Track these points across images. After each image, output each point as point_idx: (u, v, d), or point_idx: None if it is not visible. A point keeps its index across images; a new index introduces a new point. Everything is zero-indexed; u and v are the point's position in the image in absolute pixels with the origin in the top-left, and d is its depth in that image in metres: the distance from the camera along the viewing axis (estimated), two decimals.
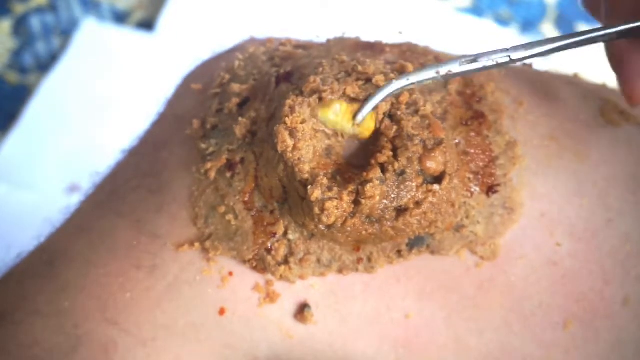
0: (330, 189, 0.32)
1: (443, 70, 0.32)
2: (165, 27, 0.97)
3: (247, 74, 0.38)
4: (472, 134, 0.35)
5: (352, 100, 0.33)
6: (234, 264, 0.35)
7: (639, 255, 0.36)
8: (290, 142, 0.32)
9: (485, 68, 0.32)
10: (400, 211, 0.32)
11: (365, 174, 0.32)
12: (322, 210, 0.31)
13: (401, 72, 0.35)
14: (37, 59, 0.97)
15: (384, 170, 0.32)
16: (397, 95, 0.34)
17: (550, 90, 0.39)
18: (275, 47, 0.40)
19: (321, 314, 0.35)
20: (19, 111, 0.91)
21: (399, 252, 0.34)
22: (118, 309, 0.35)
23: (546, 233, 0.36)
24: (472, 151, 0.35)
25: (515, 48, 0.32)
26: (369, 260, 0.34)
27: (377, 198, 0.31)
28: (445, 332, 0.35)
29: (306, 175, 0.32)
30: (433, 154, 0.32)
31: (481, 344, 0.35)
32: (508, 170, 0.36)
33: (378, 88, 0.33)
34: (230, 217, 0.35)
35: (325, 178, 0.32)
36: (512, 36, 1.01)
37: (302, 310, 0.35)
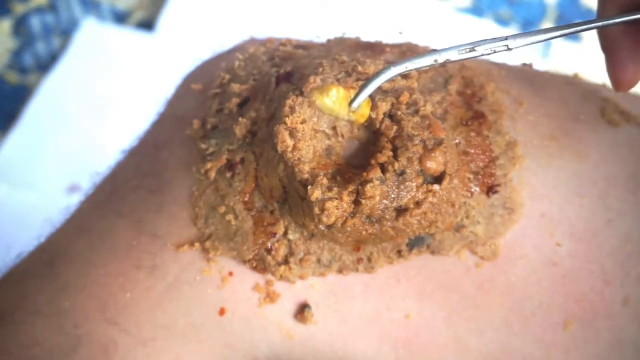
0: (330, 189, 0.32)
1: (441, 57, 0.32)
2: (165, 27, 0.97)
3: (247, 74, 0.38)
4: (472, 134, 0.35)
5: (349, 86, 0.33)
6: (234, 264, 0.35)
7: (639, 255, 0.36)
8: (290, 142, 0.32)
9: (482, 56, 0.32)
10: (400, 211, 0.32)
11: (365, 174, 0.32)
12: (322, 210, 0.31)
13: None
14: (37, 59, 0.97)
15: (384, 170, 0.32)
16: (397, 95, 0.34)
17: (550, 90, 0.39)
18: (275, 47, 0.40)
19: (321, 314, 0.35)
20: (19, 111, 0.91)
21: (399, 252, 0.34)
22: (118, 309, 0.35)
23: (546, 233, 0.36)
24: (472, 151, 0.35)
25: (514, 36, 0.32)
26: (369, 260, 0.34)
27: (377, 198, 0.31)
28: (445, 332, 0.35)
29: (306, 175, 0.32)
30: (433, 154, 0.32)
31: (481, 344, 0.35)
32: (508, 170, 0.36)
33: (375, 72, 0.32)
34: (230, 217, 0.35)
35: (325, 178, 0.32)
36: None
37: (302, 310, 0.35)
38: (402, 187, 0.32)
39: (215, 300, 0.35)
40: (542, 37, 0.32)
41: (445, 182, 0.33)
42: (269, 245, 0.34)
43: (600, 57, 0.34)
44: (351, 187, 0.32)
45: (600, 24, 0.32)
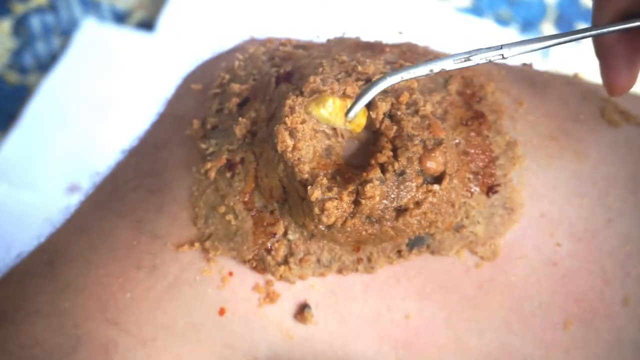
0: (330, 189, 0.32)
1: (436, 67, 0.32)
2: (165, 27, 0.97)
3: (247, 74, 0.38)
4: (472, 134, 0.35)
5: (345, 95, 0.33)
6: (234, 264, 0.35)
7: (639, 255, 0.36)
8: (290, 142, 0.32)
9: (477, 64, 0.32)
10: (400, 211, 0.32)
11: (365, 174, 0.32)
12: (322, 210, 0.31)
13: None
14: (37, 59, 0.97)
15: (384, 170, 0.32)
16: (397, 95, 0.34)
17: (550, 90, 0.39)
18: (275, 47, 0.40)
19: (321, 314, 0.35)
20: (19, 111, 0.91)
21: (399, 252, 0.34)
22: (118, 309, 0.35)
23: (546, 233, 0.36)
24: (472, 151, 0.35)
25: (509, 45, 0.32)
26: (369, 260, 0.34)
27: (377, 198, 0.31)
28: (445, 332, 0.35)
29: (306, 175, 0.32)
30: (433, 154, 0.32)
31: (481, 344, 0.35)
32: (508, 170, 0.36)
33: (371, 82, 0.33)
34: (230, 217, 0.35)
35: (325, 178, 0.32)
36: (512, 36, 1.00)
37: (302, 311, 0.35)
38: (402, 187, 0.32)
39: (215, 300, 0.35)
40: (538, 45, 0.32)
41: (445, 182, 0.33)
42: (269, 245, 0.34)
43: None
44: (351, 187, 0.32)
45: (595, 32, 0.32)
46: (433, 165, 0.32)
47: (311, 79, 0.33)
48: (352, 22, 0.96)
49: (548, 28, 1.02)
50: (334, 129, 0.34)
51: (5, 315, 0.36)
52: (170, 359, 0.35)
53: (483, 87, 0.37)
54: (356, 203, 0.32)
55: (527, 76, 0.40)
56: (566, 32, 0.32)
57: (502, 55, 0.32)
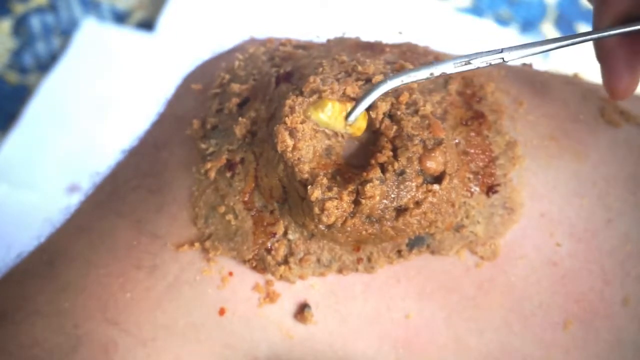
0: (330, 189, 0.32)
1: (437, 71, 0.32)
2: (165, 27, 0.97)
3: (247, 74, 0.38)
4: (472, 134, 0.35)
5: (345, 99, 0.33)
6: (234, 264, 0.35)
7: (639, 255, 0.36)
8: (290, 142, 0.32)
9: (478, 68, 0.32)
10: (400, 211, 0.32)
11: (365, 174, 0.32)
12: (322, 210, 0.31)
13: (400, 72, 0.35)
14: (37, 59, 0.97)
15: (384, 170, 0.32)
16: (396, 95, 0.34)
17: (550, 90, 0.39)
18: (275, 47, 0.40)
19: (321, 314, 0.35)
20: (19, 111, 0.91)
21: (399, 252, 0.34)
22: (118, 309, 0.35)
23: (546, 233, 0.36)
24: (472, 151, 0.35)
25: (509, 49, 0.32)
26: (369, 260, 0.34)
27: (377, 198, 0.31)
28: (445, 332, 0.35)
29: (306, 175, 0.32)
30: (433, 154, 0.32)
31: (481, 344, 0.35)
32: (508, 170, 0.36)
33: (370, 88, 0.33)
34: (230, 217, 0.35)
35: (325, 178, 0.32)
36: (512, 36, 1.01)
37: (302, 310, 0.35)
38: (402, 187, 0.32)
39: (215, 300, 0.35)
40: (538, 49, 0.32)
41: (445, 182, 0.33)
42: (269, 245, 0.34)
43: None
44: (351, 187, 0.32)
45: (596, 36, 0.32)
46: (433, 165, 0.32)
47: (311, 79, 0.33)
48: (352, 22, 0.96)
49: (548, 28, 1.02)
50: None
51: (5, 315, 0.36)
52: (170, 359, 0.35)
53: (483, 87, 0.37)
54: (356, 203, 0.32)
55: (527, 76, 0.40)
56: (567, 36, 0.32)
57: (503, 58, 0.32)
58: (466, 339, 0.35)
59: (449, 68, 0.32)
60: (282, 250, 0.34)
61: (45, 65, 0.95)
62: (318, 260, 0.34)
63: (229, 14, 0.98)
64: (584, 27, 1.02)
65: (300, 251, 0.34)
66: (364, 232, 0.32)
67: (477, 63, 0.32)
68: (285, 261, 0.34)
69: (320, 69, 0.34)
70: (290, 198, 0.33)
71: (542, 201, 0.36)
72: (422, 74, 0.32)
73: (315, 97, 0.33)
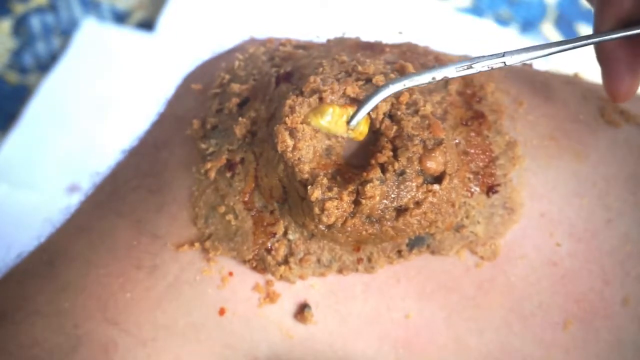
0: (330, 189, 0.32)
1: (439, 75, 0.32)
2: (165, 27, 0.97)
3: (247, 74, 0.38)
4: (472, 134, 0.35)
5: (347, 102, 0.33)
6: (234, 264, 0.35)
7: (639, 255, 0.36)
8: (290, 142, 0.32)
9: (479, 72, 0.32)
10: (400, 211, 0.32)
11: (365, 174, 0.32)
12: (322, 210, 0.31)
13: (401, 72, 0.35)
14: (37, 59, 0.97)
15: (384, 170, 0.32)
16: (397, 95, 0.34)
17: (550, 90, 0.39)
18: (275, 47, 0.40)
19: (321, 314, 0.35)
20: (19, 111, 0.91)
21: (399, 252, 0.34)
22: (118, 309, 0.35)
23: (546, 233, 0.36)
24: (472, 151, 0.35)
25: (511, 52, 0.32)
26: (369, 260, 0.34)
27: (377, 198, 0.31)
28: (445, 332, 0.35)
29: (306, 175, 0.32)
30: (433, 154, 0.32)
31: (481, 344, 0.36)
32: (508, 170, 0.36)
33: (373, 91, 0.33)
34: (230, 217, 0.35)
35: (325, 178, 0.32)
36: (512, 36, 1.00)
37: (302, 310, 0.35)
38: (402, 187, 0.32)
39: (215, 300, 0.35)
40: (539, 53, 0.32)
41: (445, 182, 0.33)
42: (269, 245, 0.34)
43: None
44: (351, 187, 0.32)
45: (598, 39, 0.32)
46: (433, 165, 0.32)
47: (311, 79, 0.33)
48: (352, 22, 0.96)
49: (548, 28, 1.02)
50: None
51: (5, 315, 0.36)
52: (170, 359, 0.35)
53: (483, 87, 0.37)
54: (356, 203, 0.32)
55: (527, 76, 0.40)
56: (569, 40, 0.32)
57: (504, 62, 0.32)
58: (466, 339, 0.35)
59: (450, 72, 0.32)
60: (282, 250, 0.34)
61: (45, 65, 0.95)
62: (318, 260, 0.34)
63: (229, 14, 0.98)
64: (584, 27, 1.02)
65: (300, 251, 0.34)
66: (364, 232, 0.32)
67: (479, 67, 0.32)
68: (285, 261, 0.34)
69: (320, 69, 0.34)
70: (290, 198, 0.33)
71: (542, 201, 0.36)
72: (424, 78, 0.32)
73: (315, 96, 0.33)
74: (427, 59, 0.37)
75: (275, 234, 0.34)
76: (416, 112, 0.34)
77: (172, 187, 0.36)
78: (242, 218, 0.35)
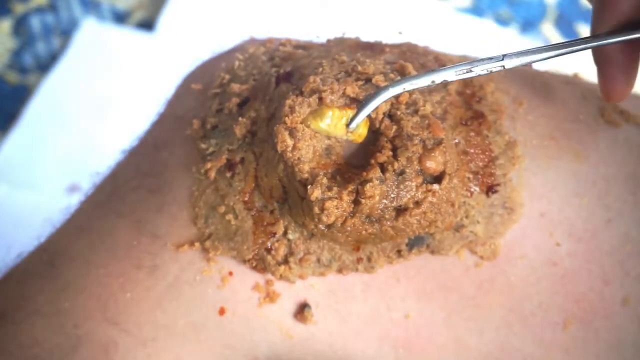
0: (330, 188, 0.32)
1: (438, 78, 0.32)
2: (165, 27, 0.97)
3: (247, 74, 0.38)
4: (472, 133, 0.35)
5: (347, 102, 0.33)
6: (234, 263, 0.35)
7: (639, 255, 0.37)
8: (290, 142, 0.32)
9: (479, 75, 0.32)
10: (400, 211, 0.32)
11: (365, 173, 0.32)
12: (322, 209, 0.31)
13: (401, 72, 0.35)
14: (37, 59, 0.97)
15: (383, 170, 0.32)
16: (396, 95, 0.34)
17: (550, 90, 0.39)
18: (275, 47, 0.40)
19: (321, 313, 0.35)
20: (19, 111, 0.91)
21: (398, 251, 0.34)
22: (118, 309, 0.35)
23: (546, 233, 0.36)
24: (472, 151, 0.35)
25: (510, 55, 0.32)
26: (369, 260, 0.34)
27: (377, 198, 0.31)
28: (445, 332, 0.35)
29: (306, 175, 0.32)
30: (433, 154, 0.32)
31: (481, 344, 0.36)
32: (508, 170, 0.36)
33: (373, 94, 0.33)
34: (230, 217, 0.35)
35: (325, 178, 0.32)
36: (512, 36, 1.00)
37: (302, 310, 0.35)
38: (401, 186, 0.32)
39: (215, 300, 0.35)
40: (539, 56, 0.32)
41: (444, 182, 0.33)
42: (269, 245, 0.34)
43: None
44: (351, 187, 0.32)
45: (597, 43, 0.32)
46: (433, 165, 0.32)
47: (311, 79, 0.33)
48: (352, 22, 0.96)
49: (548, 28, 1.02)
50: None
51: (5, 315, 0.36)
52: (170, 359, 0.35)
53: (483, 87, 0.37)
54: (356, 202, 0.32)
55: (526, 76, 0.40)
56: (568, 43, 0.32)
57: (503, 66, 0.32)
58: (466, 339, 0.35)
59: (450, 75, 0.32)
60: (282, 250, 0.34)
61: (45, 65, 0.95)
62: (318, 260, 0.34)
63: (229, 14, 0.98)
64: (584, 27, 1.02)
65: (300, 251, 0.34)
66: (363, 232, 0.32)
67: (478, 70, 0.32)
68: (285, 261, 0.34)
69: (320, 69, 0.35)
70: (290, 198, 0.33)
71: (541, 201, 0.36)
72: (424, 81, 0.32)
73: (315, 96, 0.33)
74: (427, 59, 0.37)
75: (275, 233, 0.34)
76: (416, 111, 0.34)
77: (172, 187, 0.36)
78: (242, 218, 0.35)
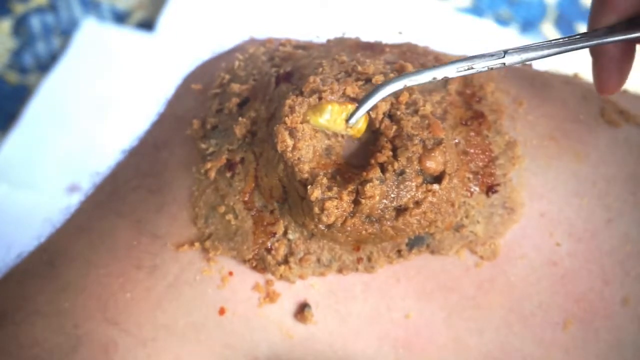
0: (330, 188, 0.32)
1: (439, 75, 0.32)
2: (165, 27, 0.97)
3: (247, 74, 0.38)
4: (472, 133, 0.35)
5: (344, 100, 0.33)
6: (234, 263, 0.35)
7: (639, 255, 0.37)
8: (290, 142, 0.32)
9: (479, 72, 0.32)
10: (400, 211, 0.32)
11: (365, 173, 0.32)
12: (322, 209, 0.31)
13: (401, 72, 0.35)
14: (37, 59, 0.96)
15: (383, 170, 0.32)
16: (396, 95, 0.34)
17: (550, 90, 0.39)
18: (275, 47, 0.40)
19: (321, 313, 0.35)
20: (19, 111, 0.91)
21: (399, 251, 0.34)
22: (118, 309, 0.35)
23: (546, 233, 0.36)
24: (472, 151, 0.35)
25: (511, 52, 0.32)
26: (369, 260, 0.34)
27: (377, 198, 0.31)
28: (445, 332, 0.35)
29: (306, 175, 0.32)
30: (433, 154, 0.32)
31: (481, 344, 0.36)
32: (508, 170, 0.36)
33: (373, 89, 0.33)
34: (230, 217, 0.35)
35: (325, 178, 0.32)
36: (512, 36, 1.00)
37: (302, 310, 0.35)
38: (401, 186, 0.32)
39: (215, 300, 0.35)
40: (539, 54, 0.32)
41: (444, 182, 0.33)
42: (269, 245, 0.34)
43: None
44: (351, 187, 0.32)
45: (599, 41, 0.32)
46: (433, 165, 0.32)
47: (311, 79, 0.33)
48: (352, 22, 0.96)
49: (548, 28, 1.02)
50: None
51: (5, 315, 0.36)
52: (170, 359, 0.35)
53: (483, 87, 0.37)
54: (356, 202, 0.32)
55: (526, 76, 0.40)
56: (569, 40, 0.32)
57: (504, 64, 0.32)
58: (466, 339, 0.35)
59: (451, 72, 0.32)
60: (282, 250, 0.34)
61: (45, 65, 0.95)
62: (318, 260, 0.34)
63: (229, 14, 0.98)
64: (584, 27, 1.02)
65: (300, 251, 0.34)
66: (363, 232, 0.32)
67: (479, 67, 0.32)
68: (285, 261, 0.34)
69: (320, 69, 0.35)
70: (290, 198, 0.33)
71: (541, 201, 0.36)
72: (424, 77, 0.32)
73: (315, 96, 0.33)
74: (427, 59, 0.37)
75: (275, 233, 0.34)
76: (416, 111, 0.34)
77: (172, 187, 0.36)
78: (242, 218, 0.35)
